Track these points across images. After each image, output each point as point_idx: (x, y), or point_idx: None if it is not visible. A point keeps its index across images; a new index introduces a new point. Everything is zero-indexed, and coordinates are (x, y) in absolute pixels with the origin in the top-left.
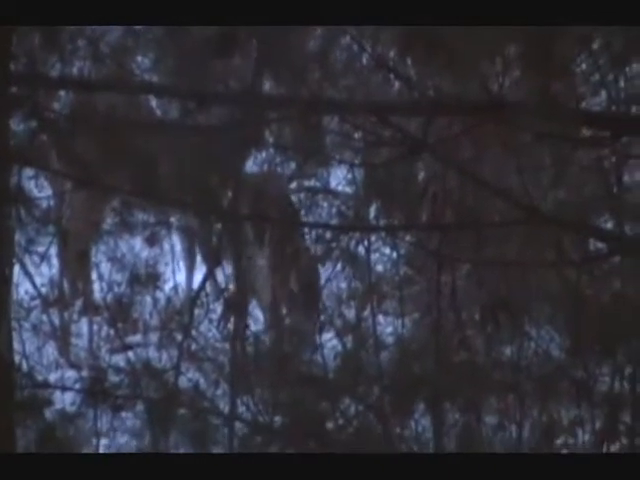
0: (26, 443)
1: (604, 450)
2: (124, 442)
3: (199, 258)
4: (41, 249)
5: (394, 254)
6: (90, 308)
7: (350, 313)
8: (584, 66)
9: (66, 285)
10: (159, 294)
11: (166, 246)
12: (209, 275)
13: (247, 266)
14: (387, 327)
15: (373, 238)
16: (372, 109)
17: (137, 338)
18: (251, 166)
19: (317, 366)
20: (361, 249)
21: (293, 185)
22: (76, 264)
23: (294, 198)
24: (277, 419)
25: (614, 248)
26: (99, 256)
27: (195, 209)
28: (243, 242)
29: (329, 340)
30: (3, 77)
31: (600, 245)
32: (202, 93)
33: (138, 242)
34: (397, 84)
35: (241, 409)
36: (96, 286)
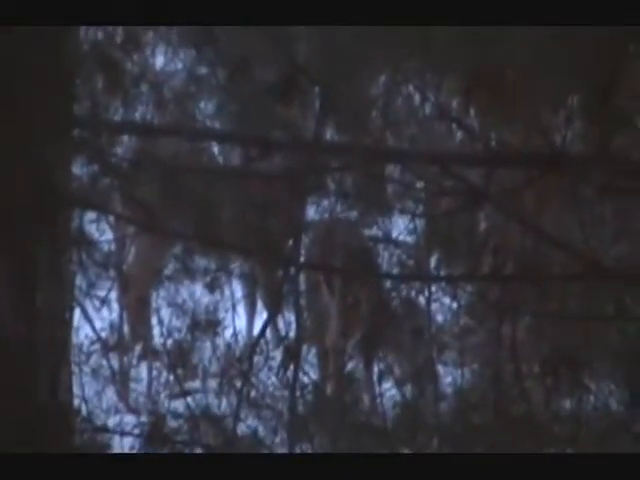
0: None
1: None
2: None
3: (260, 305)
4: (102, 293)
5: (454, 304)
6: (150, 353)
7: (410, 363)
8: None
9: (126, 330)
10: (219, 340)
11: (227, 292)
12: (269, 322)
13: (307, 314)
14: (446, 377)
15: (434, 288)
16: (434, 159)
17: (196, 384)
18: (313, 214)
19: (376, 415)
20: (421, 299)
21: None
22: (136, 309)
23: (356, 247)
24: None
25: None
26: (159, 301)
27: (256, 256)
28: (304, 290)
29: (388, 389)
30: (66, 120)
31: None
32: (264, 140)
33: (199, 288)
34: (459, 134)
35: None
36: (156, 331)
